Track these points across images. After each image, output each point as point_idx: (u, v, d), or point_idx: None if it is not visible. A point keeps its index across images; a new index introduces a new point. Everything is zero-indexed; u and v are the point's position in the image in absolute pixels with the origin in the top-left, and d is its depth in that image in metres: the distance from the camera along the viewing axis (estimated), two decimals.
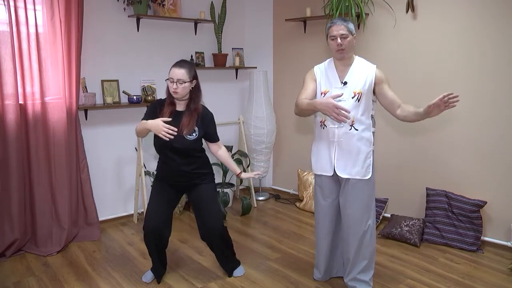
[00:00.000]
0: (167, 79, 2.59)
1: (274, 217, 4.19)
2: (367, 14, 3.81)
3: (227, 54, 4.54)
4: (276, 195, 4.82)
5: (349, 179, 2.55)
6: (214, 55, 4.49)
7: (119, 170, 4.02)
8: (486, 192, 3.34)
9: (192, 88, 2.62)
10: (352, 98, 2.48)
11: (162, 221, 2.70)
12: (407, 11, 3.56)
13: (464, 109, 3.38)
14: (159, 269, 2.86)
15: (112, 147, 3.95)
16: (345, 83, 2.51)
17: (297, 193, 4.67)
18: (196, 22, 4.32)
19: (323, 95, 2.56)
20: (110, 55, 3.85)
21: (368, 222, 2.59)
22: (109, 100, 3.70)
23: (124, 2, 3.82)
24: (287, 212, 4.33)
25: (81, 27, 3.46)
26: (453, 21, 3.37)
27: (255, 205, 4.51)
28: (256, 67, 4.79)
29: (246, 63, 4.85)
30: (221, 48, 4.52)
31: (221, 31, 4.48)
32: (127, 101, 3.88)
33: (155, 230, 2.67)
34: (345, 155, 2.53)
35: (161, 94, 4.16)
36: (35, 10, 3.21)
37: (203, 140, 2.78)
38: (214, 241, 2.78)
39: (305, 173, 4.47)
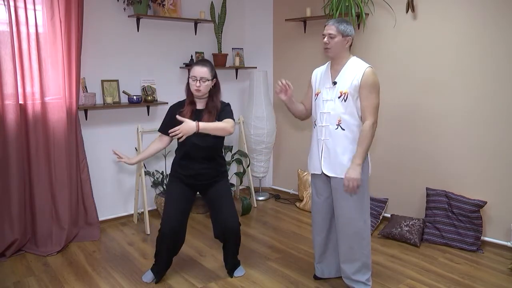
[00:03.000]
0: (189, 77, 2.63)
1: (274, 217, 4.19)
2: (367, 14, 3.81)
3: (227, 54, 4.54)
4: (276, 195, 4.82)
5: (337, 178, 2.54)
6: (214, 55, 4.49)
7: (119, 170, 4.02)
8: (486, 192, 3.34)
9: (212, 86, 2.67)
10: (339, 98, 2.50)
11: (180, 222, 2.72)
12: (407, 11, 3.56)
13: (465, 109, 3.38)
14: (162, 270, 2.86)
15: (112, 147, 3.93)
16: (335, 83, 2.54)
17: (297, 193, 4.67)
18: (196, 22, 4.32)
19: (316, 96, 2.63)
20: (110, 55, 3.84)
21: (359, 223, 2.54)
22: (109, 100, 3.70)
23: (124, 2, 3.81)
24: (287, 212, 4.33)
25: (81, 27, 3.46)
26: (453, 21, 3.36)
27: (255, 205, 4.51)
28: (256, 67, 4.79)
29: (246, 63, 4.85)
30: (221, 48, 4.51)
31: (221, 31, 4.48)
32: (127, 101, 3.88)
33: (172, 230, 2.68)
34: (331, 154, 2.55)
35: (161, 94, 4.17)
36: (35, 10, 3.21)
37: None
38: (230, 237, 2.80)
39: (305, 173, 4.47)
